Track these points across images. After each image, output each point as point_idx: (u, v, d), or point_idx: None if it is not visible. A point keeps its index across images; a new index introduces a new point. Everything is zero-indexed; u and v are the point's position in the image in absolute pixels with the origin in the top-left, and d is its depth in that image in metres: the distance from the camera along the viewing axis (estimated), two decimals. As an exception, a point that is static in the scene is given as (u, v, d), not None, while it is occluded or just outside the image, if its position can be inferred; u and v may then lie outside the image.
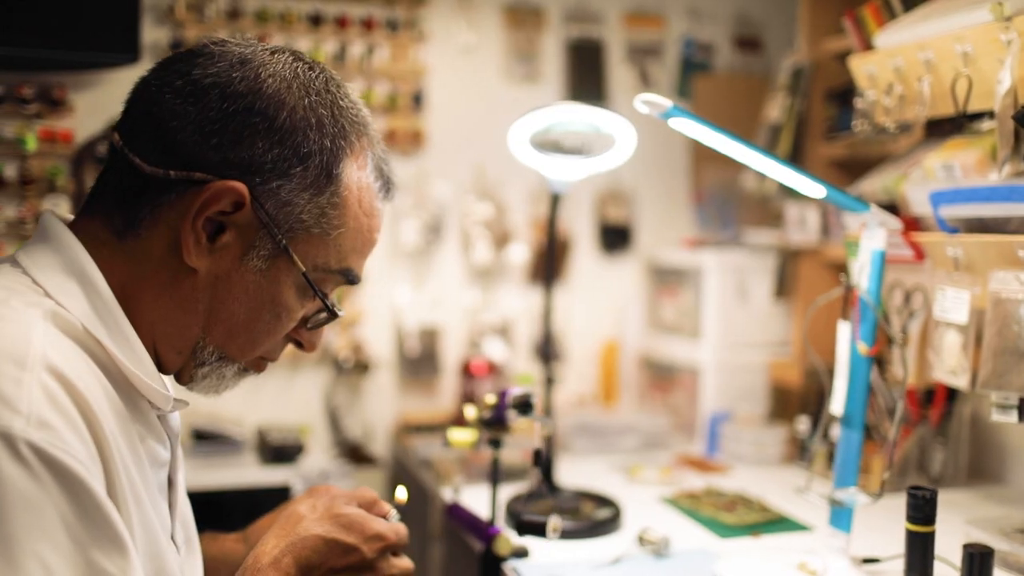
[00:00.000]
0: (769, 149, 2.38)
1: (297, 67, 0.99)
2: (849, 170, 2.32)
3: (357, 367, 2.68)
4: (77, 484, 0.81)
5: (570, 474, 2.10)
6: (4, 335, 0.84)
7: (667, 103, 1.29)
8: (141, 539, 0.92)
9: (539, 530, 1.37)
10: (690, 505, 1.91)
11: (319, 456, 2.52)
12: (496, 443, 1.58)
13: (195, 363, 1.02)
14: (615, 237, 2.92)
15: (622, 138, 1.65)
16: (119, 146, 0.97)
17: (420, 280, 2.82)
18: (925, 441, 2.06)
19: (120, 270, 0.96)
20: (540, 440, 1.44)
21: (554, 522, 1.37)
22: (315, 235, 1.00)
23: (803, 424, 2.19)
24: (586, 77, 2.85)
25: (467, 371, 2.65)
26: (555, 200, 1.77)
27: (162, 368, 1.02)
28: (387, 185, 1.08)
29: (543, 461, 1.89)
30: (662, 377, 2.72)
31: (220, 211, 0.95)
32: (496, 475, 1.59)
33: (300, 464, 2.34)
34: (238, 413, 2.56)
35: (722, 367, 2.47)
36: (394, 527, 1.15)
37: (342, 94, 1.02)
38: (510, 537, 1.50)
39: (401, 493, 1.24)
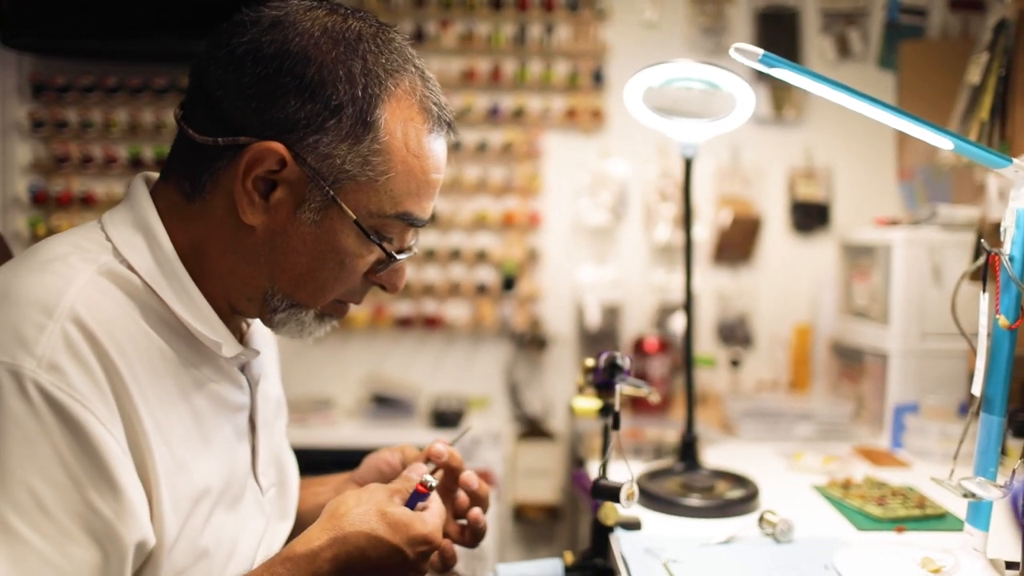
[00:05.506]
0: (967, 114, 2.15)
1: (328, 21, 1.02)
2: (1063, 135, 2.05)
3: (534, 342, 2.73)
4: (79, 427, 0.87)
5: (729, 457, 2.02)
6: (44, 286, 0.92)
7: (758, 51, 1.21)
8: (169, 483, 0.96)
9: (613, 495, 1.34)
10: (840, 495, 1.77)
11: (478, 424, 2.60)
12: (607, 410, 1.56)
13: (268, 309, 1.09)
14: (809, 216, 2.76)
15: (742, 98, 1.56)
16: (178, 119, 1.06)
17: (602, 258, 2.82)
18: None
19: (190, 229, 1.04)
20: (619, 404, 1.40)
21: (629, 488, 1.33)
22: (363, 183, 1.03)
23: (996, 417, 1.95)
24: (778, 49, 2.69)
25: (640, 348, 2.62)
26: (688, 164, 1.71)
27: (239, 313, 1.10)
28: (439, 123, 1.07)
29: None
30: (853, 365, 2.54)
31: (268, 170, 1.00)
32: (607, 443, 1.57)
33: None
34: (420, 383, 2.70)
35: (910, 354, 2.26)
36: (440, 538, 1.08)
37: (378, 41, 1.03)
38: (618, 508, 1.48)
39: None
